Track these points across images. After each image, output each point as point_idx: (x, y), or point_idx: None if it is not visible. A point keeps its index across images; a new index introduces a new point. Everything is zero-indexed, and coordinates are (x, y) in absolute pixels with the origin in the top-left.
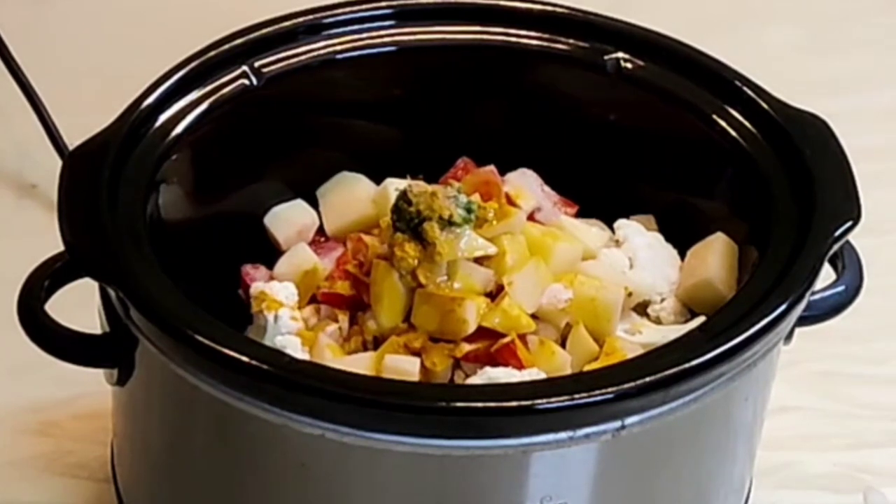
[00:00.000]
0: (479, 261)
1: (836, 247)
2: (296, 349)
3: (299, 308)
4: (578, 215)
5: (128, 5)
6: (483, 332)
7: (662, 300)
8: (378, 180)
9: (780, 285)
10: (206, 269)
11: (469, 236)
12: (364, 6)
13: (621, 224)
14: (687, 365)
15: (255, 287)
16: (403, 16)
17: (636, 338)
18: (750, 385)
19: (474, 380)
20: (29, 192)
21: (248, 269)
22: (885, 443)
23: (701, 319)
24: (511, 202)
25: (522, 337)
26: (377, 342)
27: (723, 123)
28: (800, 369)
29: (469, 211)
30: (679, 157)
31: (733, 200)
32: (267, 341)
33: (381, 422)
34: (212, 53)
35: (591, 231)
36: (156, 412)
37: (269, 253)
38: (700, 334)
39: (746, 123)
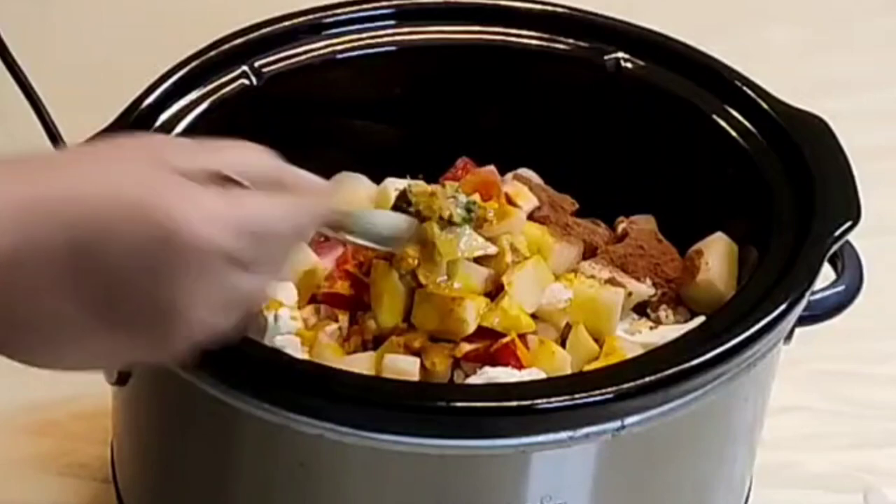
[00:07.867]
0: (479, 261)
1: (835, 247)
2: (296, 349)
3: (299, 308)
4: (578, 215)
5: (128, 5)
6: (483, 332)
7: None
8: (378, 180)
9: (780, 285)
10: None
11: (469, 236)
12: (364, 6)
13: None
14: (687, 365)
15: None
16: (403, 16)
17: (636, 338)
18: (750, 385)
19: (474, 380)
20: None
21: None
22: (885, 443)
23: (701, 319)
24: (511, 202)
25: (522, 337)
26: (377, 342)
27: (723, 123)
28: (800, 369)
29: (469, 211)
30: (679, 156)
31: (733, 200)
32: (267, 341)
33: (381, 422)
34: (212, 53)
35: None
36: (156, 412)
37: None
38: (700, 334)
39: (746, 123)
